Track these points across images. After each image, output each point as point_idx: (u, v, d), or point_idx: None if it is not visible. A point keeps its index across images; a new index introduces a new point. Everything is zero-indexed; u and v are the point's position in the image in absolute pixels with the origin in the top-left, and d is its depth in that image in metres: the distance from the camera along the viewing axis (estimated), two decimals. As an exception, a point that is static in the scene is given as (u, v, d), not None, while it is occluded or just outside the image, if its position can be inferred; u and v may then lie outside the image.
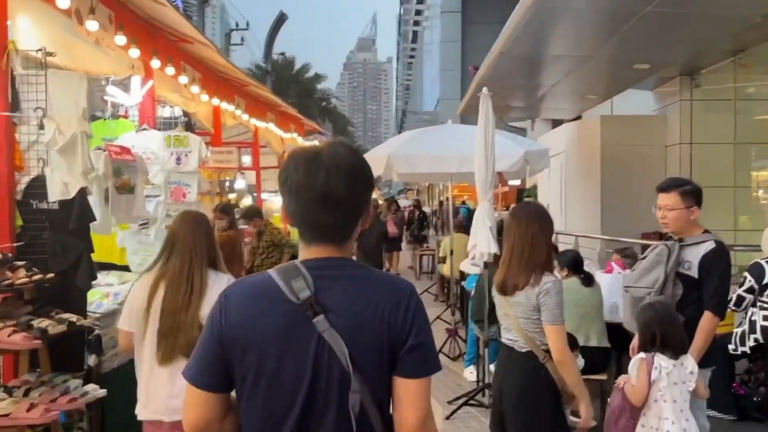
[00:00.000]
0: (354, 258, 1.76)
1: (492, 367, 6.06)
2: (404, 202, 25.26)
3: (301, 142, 13.57)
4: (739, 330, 5.01)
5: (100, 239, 5.58)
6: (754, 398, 5.14)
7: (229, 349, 1.51)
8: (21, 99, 3.72)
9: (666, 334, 3.24)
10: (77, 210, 3.69)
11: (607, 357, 4.90)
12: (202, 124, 7.97)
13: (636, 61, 8.27)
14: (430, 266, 14.55)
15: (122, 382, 4.06)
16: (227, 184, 9.83)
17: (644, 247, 5.62)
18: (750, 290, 4.92)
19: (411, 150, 7.58)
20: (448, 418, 5.53)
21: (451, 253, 8.14)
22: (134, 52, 5.00)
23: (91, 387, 3.52)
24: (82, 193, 3.75)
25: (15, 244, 3.63)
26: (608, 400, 3.74)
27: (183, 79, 6.23)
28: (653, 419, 3.20)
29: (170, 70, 5.84)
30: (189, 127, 7.24)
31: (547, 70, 9.09)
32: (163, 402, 2.86)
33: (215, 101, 7.39)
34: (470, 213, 12.42)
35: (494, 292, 3.26)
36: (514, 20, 7.02)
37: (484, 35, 12.66)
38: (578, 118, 12.83)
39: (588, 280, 4.96)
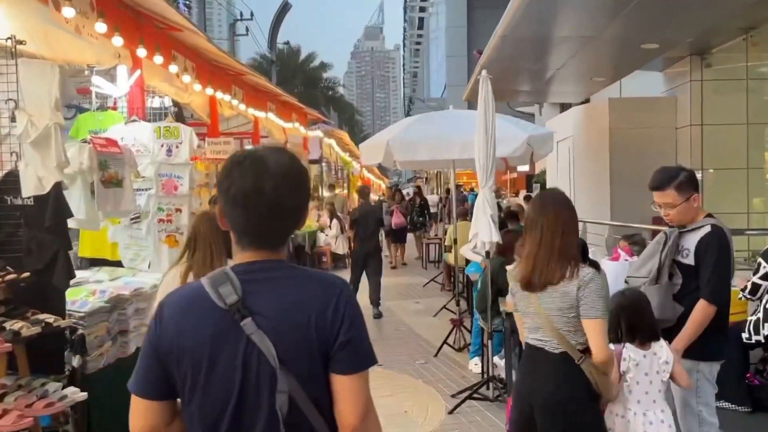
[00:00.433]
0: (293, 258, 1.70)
1: (496, 360, 5.93)
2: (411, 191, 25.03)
3: (304, 132, 13.39)
4: (753, 318, 4.75)
5: (92, 234, 5.46)
6: (770, 389, 4.93)
7: (166, 358, 1.54)
8: (-9, 90, 3.56)
9: (633, 322, 3.10)
10: (53, 205, 3.54)
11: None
12: (198, 114, 7.79)
13: (644, 41, 7.99)
14: (438, 255, 14.39)
15: (108, 383, 3.95)
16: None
17: (654, 233, 5.40)
18: (765, 277, 4.64)
19: (411, 136, 7.32)
20: (451, 412, 5.36)
21: (455, 241, 7.93)
22: (117, 41, 4.82)
23: (71, 390, 3.38)
24: (58, 187, 3.59)
25: (-12, 243, 3.50)
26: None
27: (173, 68, 6.04)
28: (618, 407, 3.05)
29: (159, 59, 5.65)
30: (180, 117, 7.06)
31: (551, 53, 8.81)
32: None
33: (209, 91, 7.19)
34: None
35: (514, 289, 3.00)
36: (515, 2, 6.78)
37: (489, 20, 12.37)
38: (586, 101, 12.56)
39: (593, 268, 4.74)
